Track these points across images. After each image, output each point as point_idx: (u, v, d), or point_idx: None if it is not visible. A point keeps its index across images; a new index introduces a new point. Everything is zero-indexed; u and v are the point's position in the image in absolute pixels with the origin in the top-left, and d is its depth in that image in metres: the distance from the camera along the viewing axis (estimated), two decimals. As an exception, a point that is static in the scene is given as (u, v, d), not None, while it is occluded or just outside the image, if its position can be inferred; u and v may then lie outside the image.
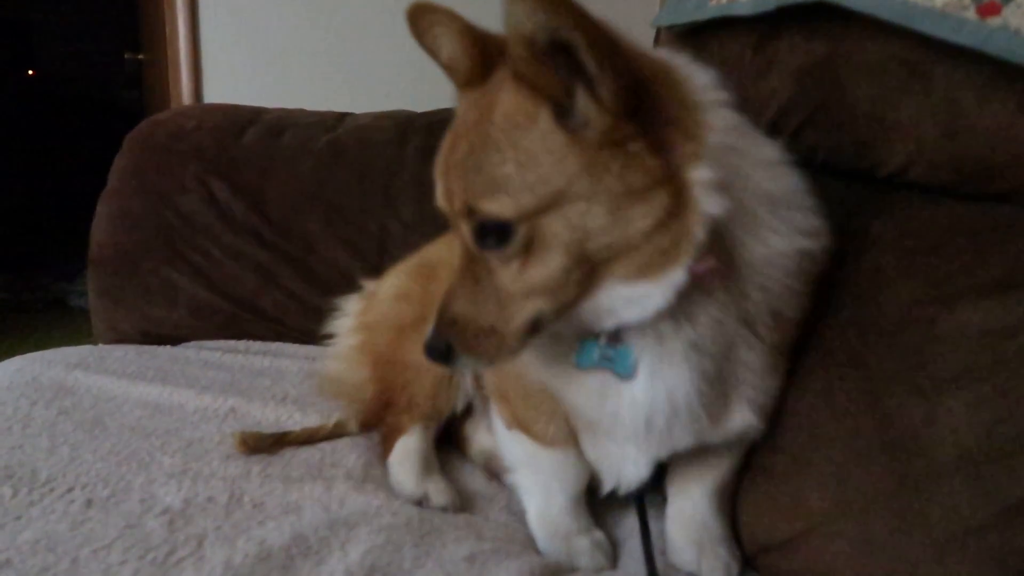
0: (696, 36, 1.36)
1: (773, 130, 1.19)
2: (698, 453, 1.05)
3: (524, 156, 0.76)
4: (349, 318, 1.47)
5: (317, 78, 2.97)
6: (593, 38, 0.70)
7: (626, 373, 0.89)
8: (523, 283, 0.79)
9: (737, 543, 1.07)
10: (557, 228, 0.76)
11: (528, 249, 0.78)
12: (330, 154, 1.83)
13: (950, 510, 0.80)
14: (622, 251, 0.77)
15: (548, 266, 0.78)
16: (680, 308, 0.83)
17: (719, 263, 0.81)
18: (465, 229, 0.81)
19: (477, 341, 0.82)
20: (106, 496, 1.02)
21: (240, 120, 1.89)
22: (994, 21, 0.82)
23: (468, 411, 1.32)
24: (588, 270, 0.79)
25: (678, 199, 0.76)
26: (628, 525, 1.13)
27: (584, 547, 1.05)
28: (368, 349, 1.36)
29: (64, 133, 6.96)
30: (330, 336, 1.49)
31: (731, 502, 1.10)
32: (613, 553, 1.08)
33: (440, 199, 0.84)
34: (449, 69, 0.87)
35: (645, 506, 1.07)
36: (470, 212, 0.79)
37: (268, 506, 1.03)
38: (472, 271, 0.82)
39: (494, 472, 1.22)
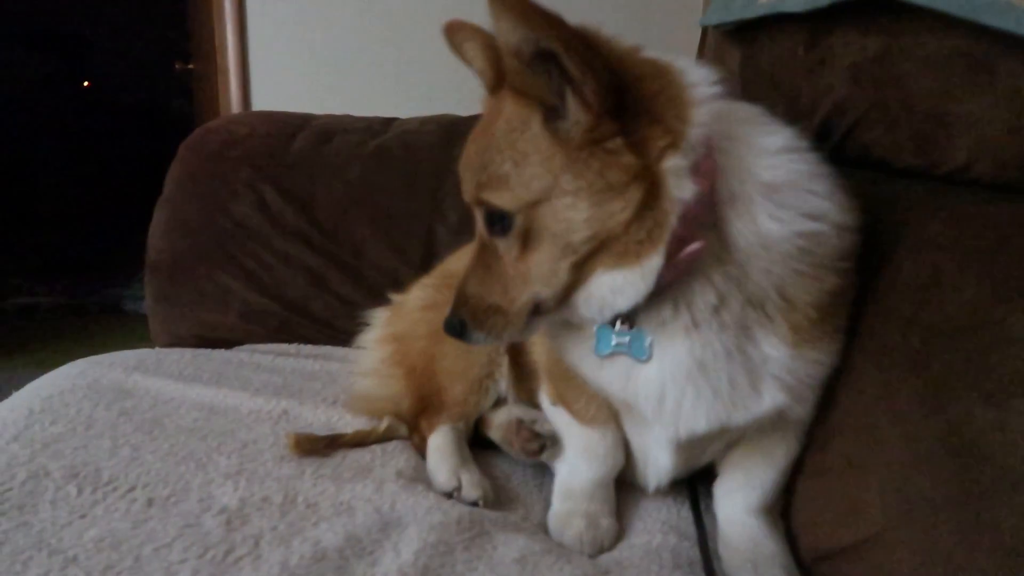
0: (745, 34, 1.35)
1: (826, 128, 1.17)
2: (741, 455, 1.06)
3: (519, 156, 0.85)
4: (377, 329, 1.49)
5: (363, 84, 3.01)
6: (571, 44, 0.77)
7: (642, 356, 0.95)
8: (522, 268, 0.89)
9: (791, 549, 1.05)
10: (547, 220, 0.85)
11: (526, 238, 0.88)
12: (377, 159, 1.85)
13: (1022, 519, 0.77)
14: (604, 242, 0.85)
15: (541, 254, 0.87)
16: (679, 293, 0.90)
17: (708, 245, 0.87)
18: (479, 218, 0.92)
19: (486, 318, 0.93)
20: (166, 495, 1.04)
21: (290, 127, 1.92)
22: (1063, 11, 0.80)
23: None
24: (577, 260, 0.87)
25: (653, 191, 0.84)
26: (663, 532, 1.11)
27: (578, 526, 1.07)
28: (399, 360, 1.38)
29: (117, 141, 7.16)
30: (359, 348, 1.50)
31: (780, 513, 1.08)
32: (609, 546, 1.08)
33: (463, 192, 0.94)
34: (481, 77, 0.97)
35: (699, 502, 1.07)
36: (479, 203, 0.90)
37: (321, 507, 1.05)
38: (484, 257, 0.93)
39: (510, 444, 1.23)
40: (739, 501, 1.08)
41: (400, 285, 1.56)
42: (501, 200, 0.87)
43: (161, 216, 1.80)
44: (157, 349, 1.71)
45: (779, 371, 0.94)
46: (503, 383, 1.30)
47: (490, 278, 0.93)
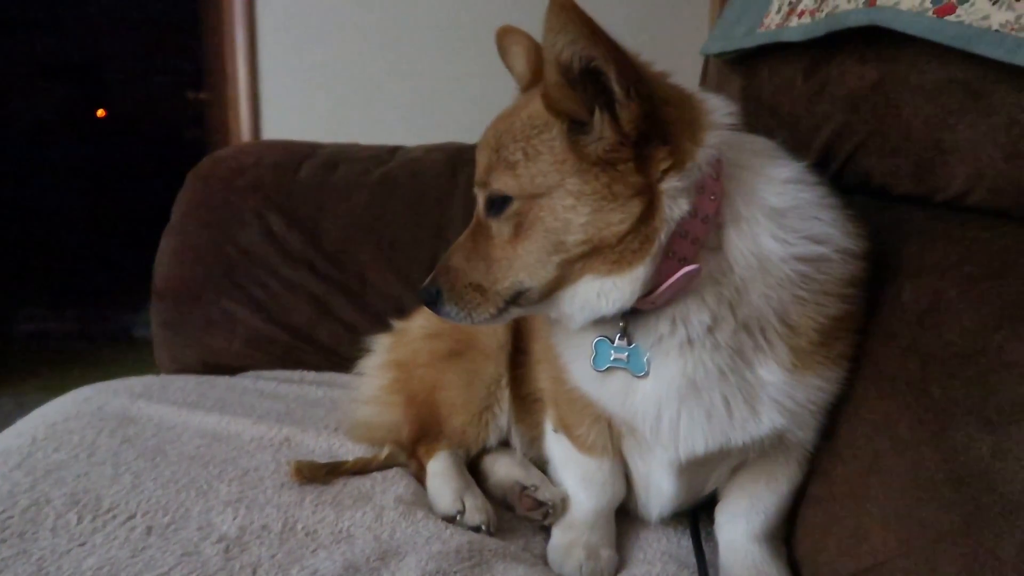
0: (745, 63, 1.36)
1: (826, 154, 1.18)
2: (744, 480, 1.05)
3: (532, 151, 0.90)
4: (378, 356, 1.49)
5: (371, 113, 3.05)
6: (624, 69, 0.83)
7: (641, 371, 0.96)
8: (510, 253, 0.92)
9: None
10: (544, 215, 0.89)
11: (519, 226, 0.91)
12: (383, 187, 1.86)
13: (1023, 548, 0.76)
14: (597, 247, 0.88)
15: (532, 244, 0.90)
16: (676, 311, 0.92)
17: (706, 266, 0.90)
18: (480, 197, 0.96)
19: (464, 293, 0.95)
20: (166, 523, 1.04)
21: (297, 155, 1.94)
22: (1055, 40, 0.80)
23: (485, 451, 1.33)
24: (567, 259, 0.90)
25: (651, 207, 0.87)
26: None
27: (577, 558, 1.06)
28: (400, 388, 1.38)
29: (130, 169, 7.25)
30: (359, 375, 1.50)
31: (783, 540, 1.07)
32: None
33: (476, 167, 0.98)
34: (518, 78, 1.06)
35: (700, 532, 1.06)
36: (484, 184, 0.94)
37: (321, 534, 1.04)
38: (475, 236, 0.97)
39: (511, 504, 1.22)
40: (741, 527, 1.07)
41: (404, 312, 1.57)
42: (505, 185, 0.91)
43: (168, 244, 1.82)
44: (162, 376, 1.72)
45: (777, 395, 0.95)
46: (504, 418, 1.30)
47: (476, 256, 0.95)
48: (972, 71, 0.93)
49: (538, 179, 0.89)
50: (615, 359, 0.97)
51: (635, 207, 0.86)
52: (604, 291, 0.90)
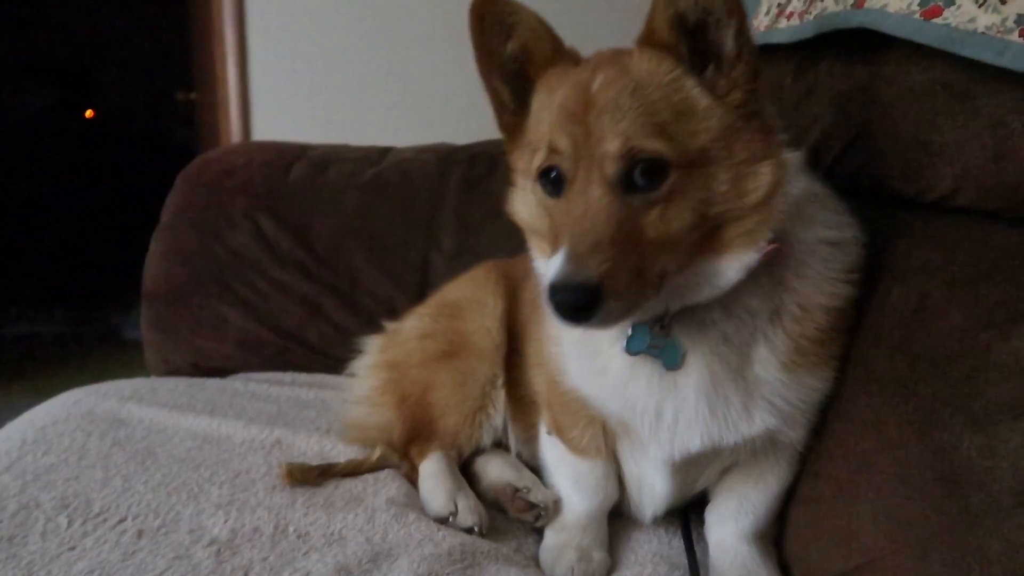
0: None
1: (815, 156, 1.18)
2: (734, 481, 1.06)
3: (682, 107, 0.85)
4: (370, 356, 1.49)
5: (363, 114, 3.04)
6: (743, 25, 0.83)
7: (674, 364, 0.93)
8: (661, 230, 0.83)
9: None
10: (693, 187, 0.84)
11: (670, 195, 0.83)
12: (374, 188, 1.86)
13: (1011, 546, 0.77)
14: (728, 221, 0.86)
15: (681, 219, 0.84)
16: (730, 296, 0.90)
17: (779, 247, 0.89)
18: (611, 171, 0.83)
19: (626, 281, 0.80)
20: (156, 527, 1.04)
21: (287, 156, 1.94)
22: (1040, 43, 0.81)
23: (478, 451, 1.33)
24: (703, 232, 0.85)
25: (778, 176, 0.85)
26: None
27: (569, 560, 1.06)
28: (392, 388, 1.38)
29: (120, 170, 7.20)
30: (350, 376, 1.50)
31: (773, 540, 1.08)
32: None
33: (568, 144, 0.86)
34: (497, 59, 0.97)
35: (691, 532, 1.07)
36: (628, 152, 0.82)
37: (312, 537, 1.04)
38: (612, 215, 0.82)
39: (503, 506, 1.22)
40: (731, 527, 1.07)
41: (395, 313, 1.57)
42: (660, 147, 0.82)
43: (158, 245, 1.81)
44: (152, 378, 1.72)
45: (771, 394, 0.95)
46: (498, 419, 1.30)
47: (620, 238, 0.81)
48: (959, 73, 0.94)
49: (690, 140, 0.84)
50: (651, 345, 0.93)
51: (769, 171, 0.85)
52: (712, 273, 0.87)
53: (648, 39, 0.88)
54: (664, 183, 0.83)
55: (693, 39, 0.85)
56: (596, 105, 0.85)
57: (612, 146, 0.83)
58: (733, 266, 0.87)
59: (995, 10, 0.85)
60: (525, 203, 0.98)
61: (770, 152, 0.86)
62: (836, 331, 0.98)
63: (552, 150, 0.88)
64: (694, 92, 0.86)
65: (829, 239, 0.95)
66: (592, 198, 0.83)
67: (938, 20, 0.91)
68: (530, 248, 1.03)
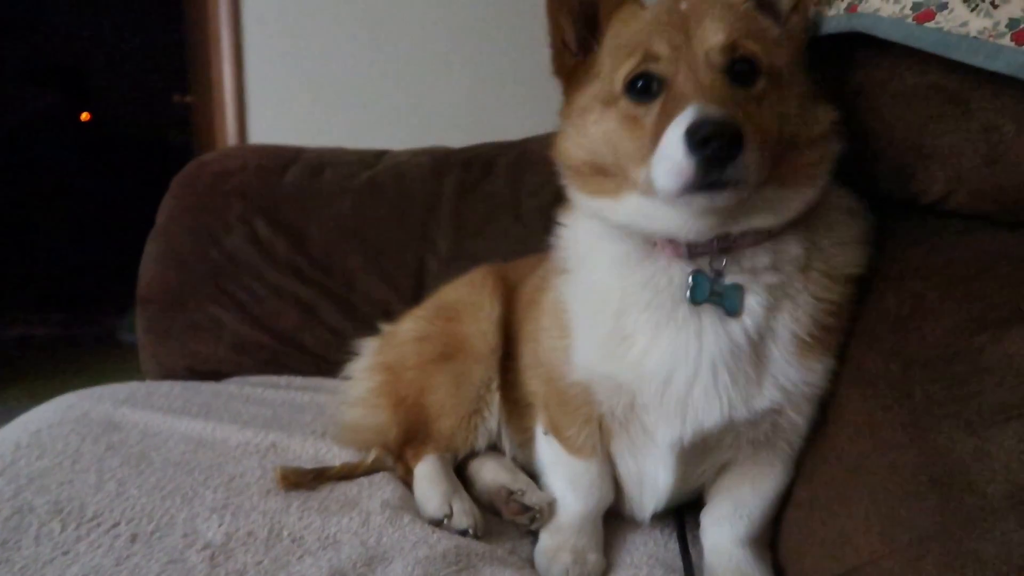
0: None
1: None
2: (730, 483, 1.06)
3: (760, 28, 0.96)
4: (366, 359, 1.49)
5: (358, 117, 3.04)
6: None
7: (734, 309, 0.96)
8: (756, 124, 0.87)
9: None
10: (776, 98, 0.91)
11: (760, 101, 0.90)
12: (369, 191, 1.86)
13: (1004, 549, 0.77)
14: (796, 145, 0.92)
15: (769, 123, 0.90)
16: (776, 244, 0.95)
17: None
18: (718, 60, 0.90)
19: (755, 138, 0.84)
20: (150, 531, 1.04)
21: (282, 160, 1.94)
22: (1032, 47, 0.81)
23: (473, 454, 1.33)
24: (777, 152, 0.90)
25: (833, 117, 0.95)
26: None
27: (564, 562, 1.06)
28: (388, 390, 1.37)
29: (116, 173, 7.19)
30: (346, 378, 1.50)
31: (767, 545, 1.08)
32: None
33: (668, 48, 0.92)
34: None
35: (686, 534, 1.07)
36: (732, 44, 0.91)
37: (307, 540, 1.04)
38: (727, 89, 0.89)
39: (498, 509, 1.22)
40: (727, 530, 1.08)
41: (391, 316, 1.57)
42: (757, 49, 0.92)
43: (153, 249, 1.81)
44: (147, 382, 1.71)
45: (779, 369, 0.97)
46: (492, 421, 1.30)
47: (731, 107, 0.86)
48: (951, 77, 0.94)
49: (771, 55, 0.92)
50: (711, 293, 0.96)
51: (825, 114, 0.96)
52: (777, 200, 0.92)
53: None
54: (756, 84, 0.91)
55: None
56: (693, 15, 0.94)
57: (717, 38, 0.90)
58: (796, 197, 0.93)
59: (987, 14, 0.86)
60: (587, 134, 0.99)
61: (823, 98, 0.96)
62: (843, 315, 1.00)
63: (647, 57, 0.93)
64: (766, 23, 0.96)
65: (850, 206, 1.02)
66: (705, 79, 0.89)
67: (930, 24, 0.91)
68: (581, 193, 1.03)
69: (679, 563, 1.10)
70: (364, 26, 2.97)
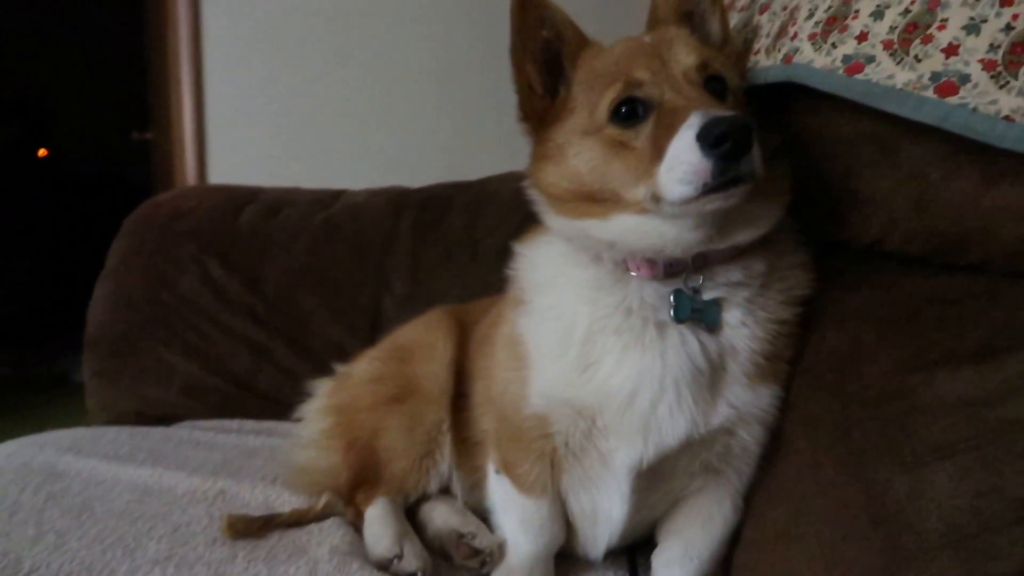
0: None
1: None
2: (680, 524, 1.07)
3: (717, 54, 1.04)
4: (319, 400, 1.47)
5: (319, 156, 3.04)
6: (724, 16, 1.10)
7: (714, 323, 0.99)
8: None
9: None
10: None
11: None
12: (325, 231, 1.86)
13: (941, 587, 0.78)
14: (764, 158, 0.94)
15: None
16: (744, 260, 0.99)
17: None
18: (696, 79, 0.97)
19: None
20: (89, 585, 1.01)
21: (238, 200, 1.93)
22: (952, 100, 0.85)
23: (424, 498, 1.32)
24: None
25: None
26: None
27: None
28: (341, 432, 1.36)
29: (72, 210, 7.07)
30: (298, 420, 1.48)
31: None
32: None
33: (648, 73, 0.97)
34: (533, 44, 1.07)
35: (638, 572, 1.06)
36: (703, 64, 0.98)
37: (253, 592, 1.02)
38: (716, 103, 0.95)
39: (449, 554, 1.21)
40: (677, 573, 1.08)
41: (346, 357, 1.56)
42: (722, 69, 1.00)
43: (103, 291, 1.79)
44: (93, 428, 1.67)
45: (731, 395, 1.00)
46: (444, 465, 1.29)
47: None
48: (882, 125, 0.98)
49: (733, 76, 1.02)
50: (693, 310, 0.98)
51: (776, 139, 1.04)
52: (753, 215, 0.96)
53: (655, 24, 1.08)
54: (727, 100, 0.98)
55: (691, 22, 1.07)
56: (661, 44, 1.00)
57: (691, 59, 0.97)
58: (771, 210, 0.98)
59: (911, 68, 0.90)
60: (569, 166, 1.01)
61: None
62: (792, 339, 1.04)
63: (630, 83, 0.96)
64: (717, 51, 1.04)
65: (797, 234, 1.07)
66: (693, 94, 0.94)
67: (860, 76, 0.95)
68: (561, 217, 1.04)
69: (631, 606, 1.09)
70: (324, 67, 2.99)
